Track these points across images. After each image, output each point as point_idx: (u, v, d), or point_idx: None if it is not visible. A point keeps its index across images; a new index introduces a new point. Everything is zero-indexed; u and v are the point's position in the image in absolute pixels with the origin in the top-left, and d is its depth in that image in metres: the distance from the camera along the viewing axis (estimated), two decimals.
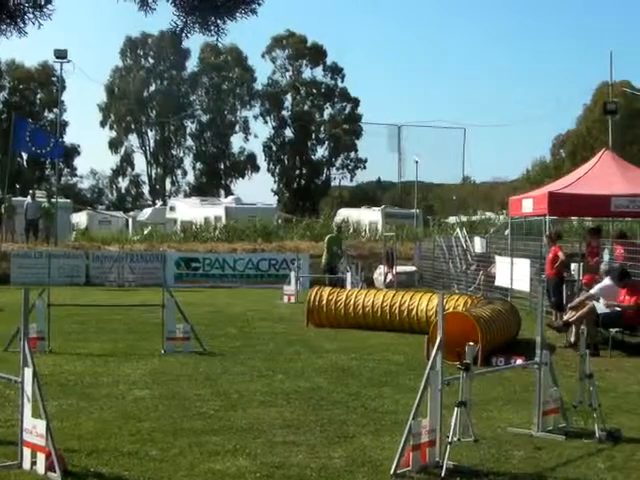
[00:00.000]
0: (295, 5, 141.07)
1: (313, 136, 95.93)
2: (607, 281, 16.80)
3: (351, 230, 46.12)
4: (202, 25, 6.32)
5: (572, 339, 16.37)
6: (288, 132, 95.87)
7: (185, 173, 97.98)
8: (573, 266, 21.31)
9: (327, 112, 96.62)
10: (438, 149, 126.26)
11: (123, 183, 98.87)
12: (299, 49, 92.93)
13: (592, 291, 16.79)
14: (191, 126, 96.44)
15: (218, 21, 6.29)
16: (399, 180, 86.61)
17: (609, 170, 21.87)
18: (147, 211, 63.26)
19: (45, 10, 6.28)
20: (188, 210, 53.87)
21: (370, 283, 30.48)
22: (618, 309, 16.27)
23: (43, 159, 74.56)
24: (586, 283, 18.93)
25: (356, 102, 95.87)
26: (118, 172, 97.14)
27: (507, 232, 28.16)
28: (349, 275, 27.74)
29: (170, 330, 15.49)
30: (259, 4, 6.30)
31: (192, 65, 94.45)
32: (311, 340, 17.73)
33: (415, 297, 19.26)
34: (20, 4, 6.26)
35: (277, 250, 36.54)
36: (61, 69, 46.99)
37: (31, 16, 6.28)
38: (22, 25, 6.35)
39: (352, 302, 19.76)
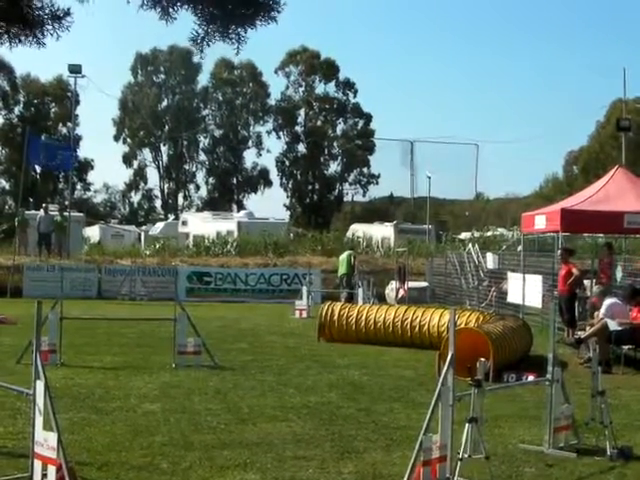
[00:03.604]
0: (309, 21, 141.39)
1: (326, 151, 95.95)
2: (609, 300, 16.77)
3: (363, 246, 46.11)
4: (223, 34, 6.35)
5: (586, 357, 16.34)
6: (301, 147, 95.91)
7: (198, 188, 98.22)
8: (586, 282, 21.27)
9: (340, 127, 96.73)
10: (451, 165, 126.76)
11: (136, 197, 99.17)
12: (312, 65, 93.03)
13: (601, 315, 16.65)
14: (204, 141, 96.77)
15: (238, 29, 6.32)
16: (412, 196, 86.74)
17: (622, 187, 21.79)
18: (159, 225, 63.30)
19: (63, 22, 6.33)
20: (200, 224, 53.89)
21: (382, 299, 30.51)
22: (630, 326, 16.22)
23: (57, 172, 74.82)
24: (596, 302, 18.88)
25: (369, 117, 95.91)
26: (131, 186, 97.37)
27: (519, 248, 28.10)
28: (361, 290, 27.78)
29: (181, 344, 15.50)
30: (279, 12, 6.33)
31: (204, 80, 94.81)
32: (322, 355, 17.72)
33: (427, 313, 19.25)
34: (39, 15, 6.30)
35: (289, 265, 36.59)
36: (75, 84, 47.27)
37: (49, 27, 6.32)
38: (41, 36, 6.39)
39: (364, 317, 19.76)
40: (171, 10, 6.28)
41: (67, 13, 6.35)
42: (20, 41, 6.50)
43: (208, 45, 6.47)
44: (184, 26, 6.54)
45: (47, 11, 6.36)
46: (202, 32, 6.33)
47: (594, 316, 17.34)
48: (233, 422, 10.84)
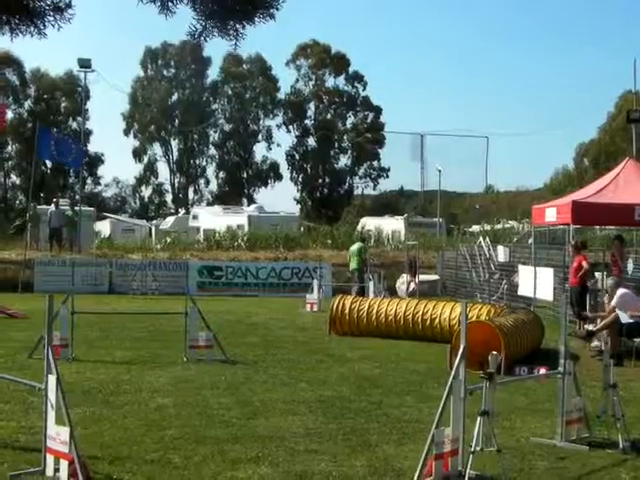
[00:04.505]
0: (319, 15, 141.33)
1: (336, 145, 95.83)
2: (621, 290, 16.69)
3: (374, 239, 46.11)
4: (221, 29, 6.34)
5: (595, 343, 16.34)
6: (311, 141, 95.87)
7: (208, 182, 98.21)
8: (597, 275, 21.23)
9: (350, 121, 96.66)
10: (461, 158, 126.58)
11: (146, 192, 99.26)
12: (322, 58, 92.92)
13: (613, 304, 16.57)
14: (214, 135, 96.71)
15: (237, 25, 6.32)
16: (422, 189, 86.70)
17: (633, 179, 21.76)
18: (170, 219, 63.43)
19: (65, 14, 6.32)
20: (211, 219, 53.98)
21: (393, 292, 30.47)
22: None
23: (67, 167, 74.91)
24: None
25: (379, 111, 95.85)
26: (141, 181, 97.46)
27: (530, 241, 28.07)
28: (372, 284, 27.76)
29: (193, 338, 15.51)
30: (277, 9, 6.32)
31: (214, 74, 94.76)
32: (333, 349, 17.73)
33: (438, 306, 19.23)
34: (40, 6, 6.30)
35: (300, 259, 36.58)
36: (85, 78, 47.36)
37: (51, 19, 6.31)
38: (42, 27, 6.38)
39: (375, 311, 19.75)
40: (170, 4, 6.27)
41: (69, 4, 6.34)
42: (21, 32, 6.49)
43: (206, 40, 6.48)
44: (190, 20, 6.55)
45: (49, 2, 6.35)
46: (200, 27, 6.33)
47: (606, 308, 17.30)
48: (245, 416, 10.85)
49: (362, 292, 27.71)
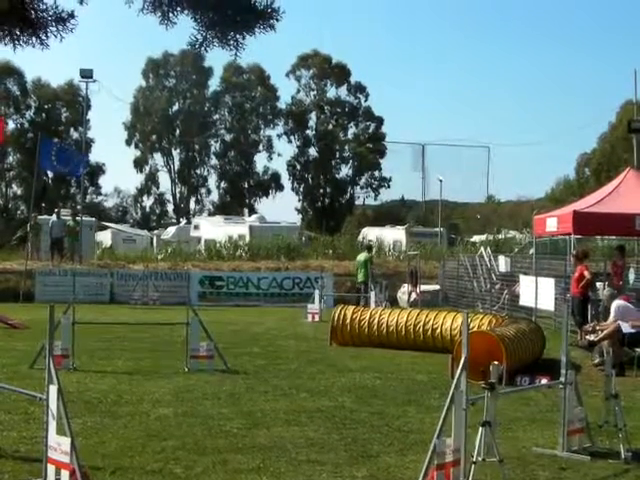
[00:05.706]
0: (320, 25, 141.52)
1: (337, 155, 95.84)
2: (616, 302, 16.66)
3: (375, 249, 46.08)
4: (221, 40, 6.38)
5: (597, 360, 16.31)
6: (312, 151, 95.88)
7: (209, 192, 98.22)
8: (599, 285, 21.21)
9: (351, 131, 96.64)
10: (462, 168, 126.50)
11: (148, 202, 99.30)
12: (323, 69, 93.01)
13: (612, 319, 16.54)
14: (215, 145, 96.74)
15: (237, 36, 6.34)
16: (423, 199, 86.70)
17: (633, 189, 21.75)
18: (171, 230, 63.43)
19: (68, 24, 6.33)
20: (212, 229, 53.99)
21: (394, 302, 30.44)
22: None
23: (69, 177, 74.97)
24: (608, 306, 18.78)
25: (380, 121, 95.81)
26: (143, 191, 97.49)
27: (531, 251, 28.05)
28: (373, 294, 27.73)
29: (194, 348, 15.49)
30: (278, 20, 6.34)
31: (215, 84, 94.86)
32: (335, 359, 17.70)
33: (439, 316, 19.22)
34: (43, 17, 6.31)
35: (301, 269, 36.58)
36: (87, 88, 47.36)
37: (54, 29, 6.33)
38: (44, 38, 6.40)
39: (376, 321, 19.73)
40: (171, 15, 6.30)
41: (71, 15, 6.36)
42: (24, 43, 6.51)
43: (206, 51, 6.52)
44: (191, 30, 6.58)
45: (51, 13, 6.37)
46: (201, 38, 6.36)
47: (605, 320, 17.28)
48: (246, 426, 10.83)
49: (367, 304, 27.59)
